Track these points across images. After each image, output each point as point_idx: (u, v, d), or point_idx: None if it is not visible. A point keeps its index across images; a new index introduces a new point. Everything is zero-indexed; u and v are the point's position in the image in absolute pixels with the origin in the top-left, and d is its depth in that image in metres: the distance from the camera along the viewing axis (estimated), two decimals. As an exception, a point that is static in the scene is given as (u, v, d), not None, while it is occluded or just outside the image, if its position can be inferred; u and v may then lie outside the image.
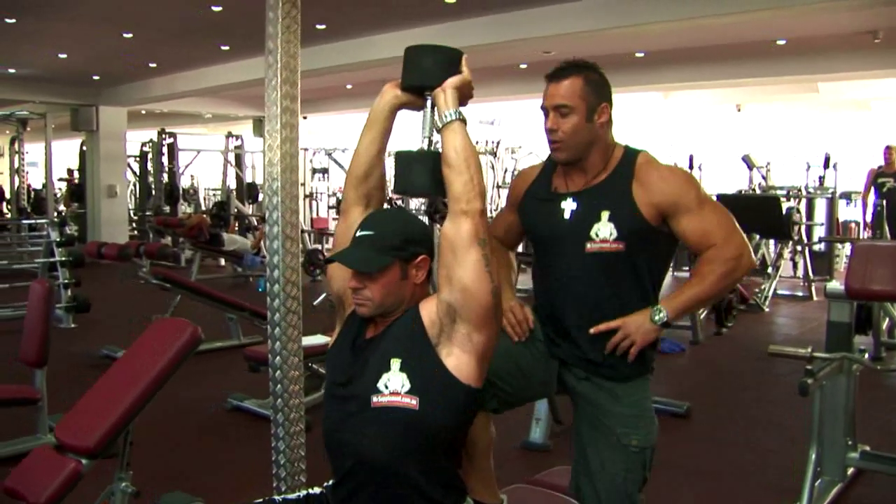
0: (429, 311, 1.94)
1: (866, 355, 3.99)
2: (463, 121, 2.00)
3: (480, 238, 1.87)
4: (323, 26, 8.91)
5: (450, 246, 1.89)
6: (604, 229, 2.26)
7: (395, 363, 1.91)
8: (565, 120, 2.26)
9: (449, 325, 1.89)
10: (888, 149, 10.23)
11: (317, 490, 2.11)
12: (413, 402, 1.87)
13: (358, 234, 1.98)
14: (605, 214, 2.26)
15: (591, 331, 2.30)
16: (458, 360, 1.89)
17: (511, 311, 2.41)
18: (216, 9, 8.18)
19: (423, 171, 2.07)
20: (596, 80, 2.29)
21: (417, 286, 2.00)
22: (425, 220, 2.39)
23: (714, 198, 8.41)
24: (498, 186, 15.39)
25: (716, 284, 2.27)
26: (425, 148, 2.14)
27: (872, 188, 10.40)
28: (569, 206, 2.33)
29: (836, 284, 3.85)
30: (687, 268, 9.74)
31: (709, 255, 2.25)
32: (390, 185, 2.26)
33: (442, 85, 2.04)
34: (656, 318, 2.25)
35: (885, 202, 9.97)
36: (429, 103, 2.11)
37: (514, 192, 2.56)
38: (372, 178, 2.16)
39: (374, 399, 1.90)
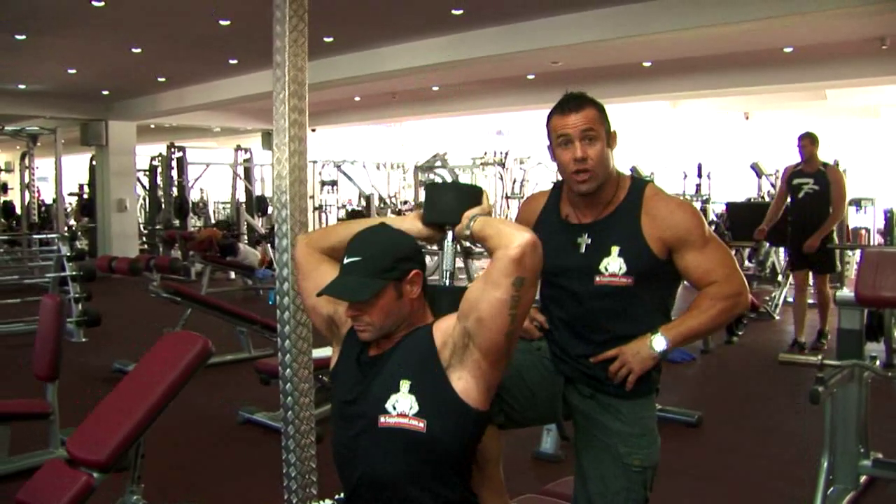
0: (443, 331, 1.93)
1: (878, 362, 3.97)
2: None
3: (517, 277, 1.79)
4: (330, 39, 8.95)
5: (488, 272, 1.85)
6: (613, 264, 2.27)
7: (405, 385, 1.90)
8: (593, 146, 2.24)
9: (462, 348, 1.88)
10: (804, 139, 7.11)
11: (328, 503, 2.11)
12: (420, 424, 1.87)
13: (346, 260, 1.95)
14: (615, 249, 2.27)
15: (592, 360, 2.31)
16: (468, 384, 1.88)
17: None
18: (224, 23, 8.23)
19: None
20: (602, 108, 2.29)
21: (415, 300, 1.98)
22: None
23: (723, 207, 8.19)
24: (507, 197, 15.40)
25: (715, 319, 2.29)
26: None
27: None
28: (584, 240, 2.33)
29: (846, 292, 3.84)
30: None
31: (710, 290, 2.27)
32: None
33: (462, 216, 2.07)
34: (655, 344, 2.25)
35: (796, 211, 7.17)
36: (450, 236, 2.16)
37: (524, 220, 2.52)
38: (336, 253, 2.11)
39: (382, 419, 1.90)
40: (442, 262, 2.25)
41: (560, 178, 2.41)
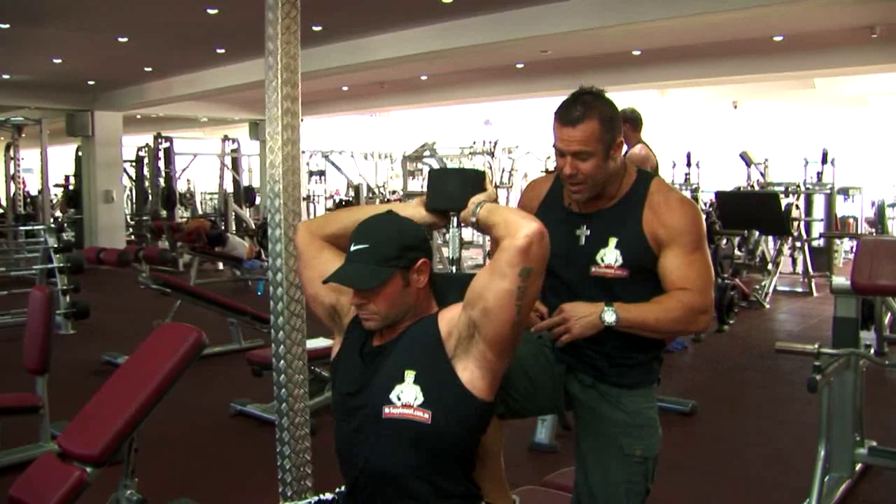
0: (448, 321, 1.90)
1: (871, 350, 3.97)
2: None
3: (524, 267, 1.77)
4: (319, 28, 8.89)
5: (495, 262, 1.82)
6: (609, 255, 2.24)
7: (410, 375, 1.88)
8: (585, 164, 2.18)
9: (467, 338, 1.85)
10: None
11: (328, 496, 2.08)
12: (426, 415, 1.84)
13: (352, 248, 1.93)
14: (612, 241, 2.24)
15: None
16: (473, 374, 1.86)
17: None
18: (211, 11, 8.16)
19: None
20: (609, 116, 2.19)
21: (421, 290, 1.96)
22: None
23: (713, 196, 7.90)
24: (495, 187, 15.35)
25: (672, 322, 2.21)
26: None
27: None
28: (583, 232, 2.30)
29: (841, 280, 3.81)
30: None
31: (679, 293, 2.20)
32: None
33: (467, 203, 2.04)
34: (606, 317, 2.18)
35: None
36: (454, 222, 2.14)
37: (526, 206, 2.49)
38: (339, 241, 2.09)
39: (386, 410, 1.87)
40: (450, 248, 2.26)
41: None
